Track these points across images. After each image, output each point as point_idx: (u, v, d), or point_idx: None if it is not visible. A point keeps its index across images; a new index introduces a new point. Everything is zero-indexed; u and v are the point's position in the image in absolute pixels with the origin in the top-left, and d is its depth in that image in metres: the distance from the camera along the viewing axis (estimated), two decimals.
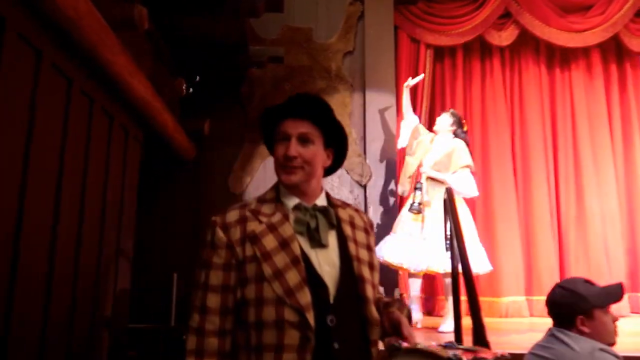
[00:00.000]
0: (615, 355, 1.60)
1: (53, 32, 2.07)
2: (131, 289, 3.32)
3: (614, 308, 1.74)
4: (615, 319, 1.70)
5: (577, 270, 4.56)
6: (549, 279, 4.40)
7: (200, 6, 3.37)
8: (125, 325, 3.21)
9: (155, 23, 3.31)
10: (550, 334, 1.70)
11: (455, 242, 2.43)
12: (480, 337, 1.66)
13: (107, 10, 2.38)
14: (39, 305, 2.12)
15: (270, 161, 4.31)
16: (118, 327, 3.03)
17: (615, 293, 1.70)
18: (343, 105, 4.53)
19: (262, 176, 4.35)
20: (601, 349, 1.60)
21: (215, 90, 4.49)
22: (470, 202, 4.57)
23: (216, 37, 3.71)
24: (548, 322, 1.77)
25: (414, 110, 4.61)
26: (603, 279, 4.17)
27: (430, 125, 4.92)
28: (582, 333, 1.64)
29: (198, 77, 4.30)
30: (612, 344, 1.65)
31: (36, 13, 1.94)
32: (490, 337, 2.22)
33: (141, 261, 3.80)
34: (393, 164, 4.48)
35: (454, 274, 2.56)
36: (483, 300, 4.22)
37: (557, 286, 1.79)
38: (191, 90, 4.25)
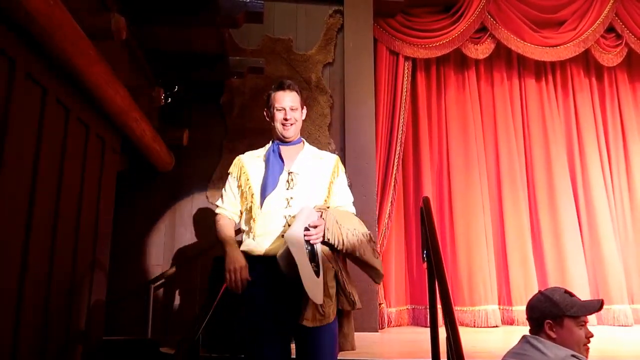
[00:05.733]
0: None
1: (27, 40, 2.05)
2: (107, 300, 3.27)
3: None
4: (589, 335, 1.72)
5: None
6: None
7: (179, 16, 3.37)
8: (101, 338, 3.15)
9: (133, 32, 3.30)
10: (525, 341, 1.73)
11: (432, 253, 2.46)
12: (454, 346, 1.68)
13: (84, 19, 2.36)
14: (10, 317, 2.07)
15: None
16: (93, 340, 2.97)
17: (590, 306, 1.73)
18: (322, 116, 4.54)
19: None
20: (573, 356, 1.63)
21: (194, 100, 4.49)
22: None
23: (195, 47, 3.71)
24: None
25: (392, 120, 4.68)
26: None
27: (408, 136, 4.99)
28: (549, 338, 1.68)
29: (177, 87, 4.28)
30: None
31: (9, 22, 1.91)
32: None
33: (117, 272, 3.75)
34: (372, 175, 4.50)
35: (431, 285, 2.59)
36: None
37: (538, 292, 1.83)
38: (170, 99, 4.23)
